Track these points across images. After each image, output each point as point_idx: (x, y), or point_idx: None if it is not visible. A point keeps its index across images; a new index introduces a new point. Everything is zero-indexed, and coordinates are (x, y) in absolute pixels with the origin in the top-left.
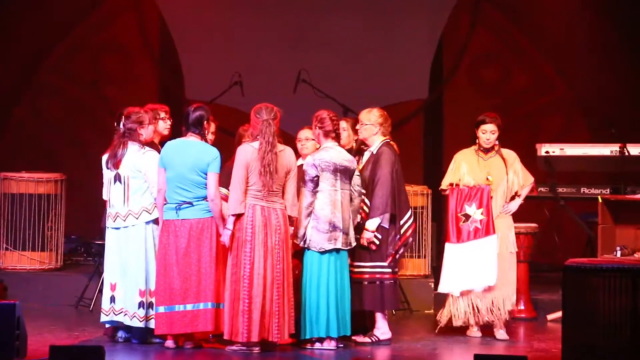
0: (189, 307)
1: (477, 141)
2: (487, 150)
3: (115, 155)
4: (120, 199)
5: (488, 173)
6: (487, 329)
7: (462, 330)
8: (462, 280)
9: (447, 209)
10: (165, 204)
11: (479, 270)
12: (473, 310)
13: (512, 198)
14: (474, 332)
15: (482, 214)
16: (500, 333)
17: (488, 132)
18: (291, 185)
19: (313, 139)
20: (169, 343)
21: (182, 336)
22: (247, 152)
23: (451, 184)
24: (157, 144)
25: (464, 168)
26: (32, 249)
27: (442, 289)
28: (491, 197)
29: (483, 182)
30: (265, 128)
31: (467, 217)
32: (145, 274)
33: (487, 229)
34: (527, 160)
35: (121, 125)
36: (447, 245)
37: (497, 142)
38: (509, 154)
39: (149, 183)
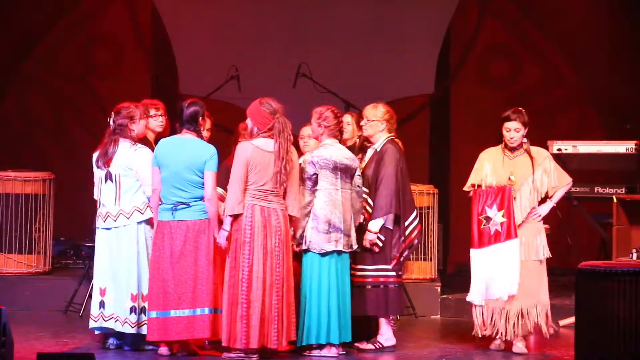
0: (185, 312)
1: (503, 139)
2: (513, 149)
3: (106, 154)
4: (112, 198)
5: (511, 173)
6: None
7: (474, 337)
8: (486, 288)
9: (471, 212)
10: (160, 205)
11: (501, 277)
12: (493, 321)
13: (544, 201)
14: (495, 345)
15: (503, 216)
16: (518, 346)
17: (512, 130)
18: (292, 184)
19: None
20: (163, 350)
21: (176, 343)
22: (248, 150)
23: (473, 185)
24: (151, 141)
25: (487, 168)
26: (18, 252)
27: (469, 297)
28: (514, 199)
29: (506, 182)
30: (283, 126)
31: (488, 219)
32: (137, 277)
33: (509, 232)
34: None
35: (111, 122)
36: (471, 252)
37: (525, 140)
38: (539, 152)
39: (141, 181)
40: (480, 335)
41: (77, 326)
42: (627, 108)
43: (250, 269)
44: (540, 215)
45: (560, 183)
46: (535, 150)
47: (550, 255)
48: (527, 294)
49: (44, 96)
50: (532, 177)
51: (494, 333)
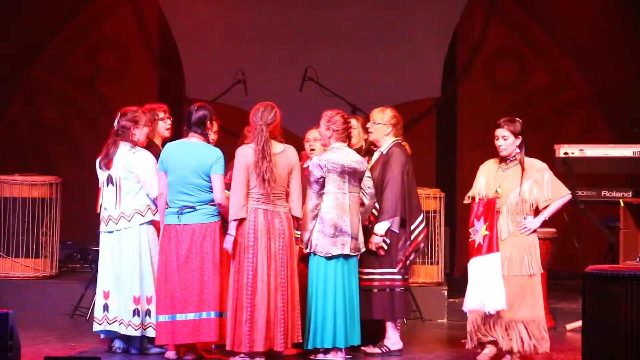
0: (191, 316)
1: None
2: (507, 160)
3: (107, 155)
4: (112, 201)
5: (499, 185)
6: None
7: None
8: (470, 299)
9: None
10: (166, 208)
11: (483, 291)
12: (477, 333)
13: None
14: (485, 352)
15: (486, 229)
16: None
17: (500, 138)
18: (295, 186)
19: None
20: (170, 354)
21: (183, 346)
22: (247, 154)
23: (468, 197)
24: (158, 145)
25: (482, 180)
26: (26, 256)
27: (464, 307)
28: (498, 211)
29: (493, 194)
30: (258, 134)
31: (475, 232)
32: (139, 279)
33: (490, 246)
34: (545, 162)
35: (115, 122)
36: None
37: (518, 150)
38: (532, 164)
39: (142, 184)
40: (469, 347)
41: (84, 330)
42: (634, 112)
43: (254, 273)
44: (528, 229)
45: (554, 196)
46: (530, 161)
47: (542, 271)
48: (510, 309)
49: (51, 101)
50: (520, 188)
51: (480, 345)
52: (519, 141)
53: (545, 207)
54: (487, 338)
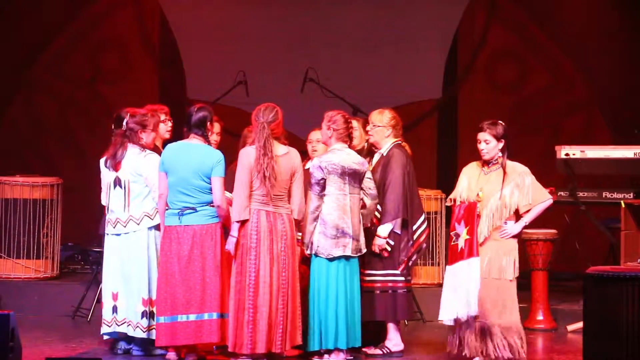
0: (192, 317)
1: None
2: (489, 164)
3: (115, 156)
4: (121, 204)
5: (480, 189)
6: None
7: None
8: (450, 306)
9: None
10: (167, 210)
11: (462, 297)
12: (460, 342)
13: (520, 218)
14: None
15: (467, 233)
16: None
17: (482, 142)
18: (297, 188)
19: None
20: (171, 355)
21: (184, 348)
22: (250, 155)
23: (449, 199)
24: (159, 147)
25: (464, 183)
26: (27, 257)
27: (439, 317)
28: (478, 215)
29: (475, 198)
30: (260, 132)
31: (457, 236)
32: (147, 281)
33: (470, 250)
34: (546, 163)
35: (124, 123)
36: (446, 269)
37: (501, 154)
38: (514, 168)
39: (150, 187)
40: (454, 353)
41: (85, 331)
42: (635, 113)
43: (256, 274)
44: (508, 234)
45: (535, 201)
46: (511, 165)
47: (517, 275)
48: (488, 313)
49: (52, 101)
50: (500, 192)
51: (464, 353)
52: (501, 145)
53: (526, 212)
54: (470, 346)
